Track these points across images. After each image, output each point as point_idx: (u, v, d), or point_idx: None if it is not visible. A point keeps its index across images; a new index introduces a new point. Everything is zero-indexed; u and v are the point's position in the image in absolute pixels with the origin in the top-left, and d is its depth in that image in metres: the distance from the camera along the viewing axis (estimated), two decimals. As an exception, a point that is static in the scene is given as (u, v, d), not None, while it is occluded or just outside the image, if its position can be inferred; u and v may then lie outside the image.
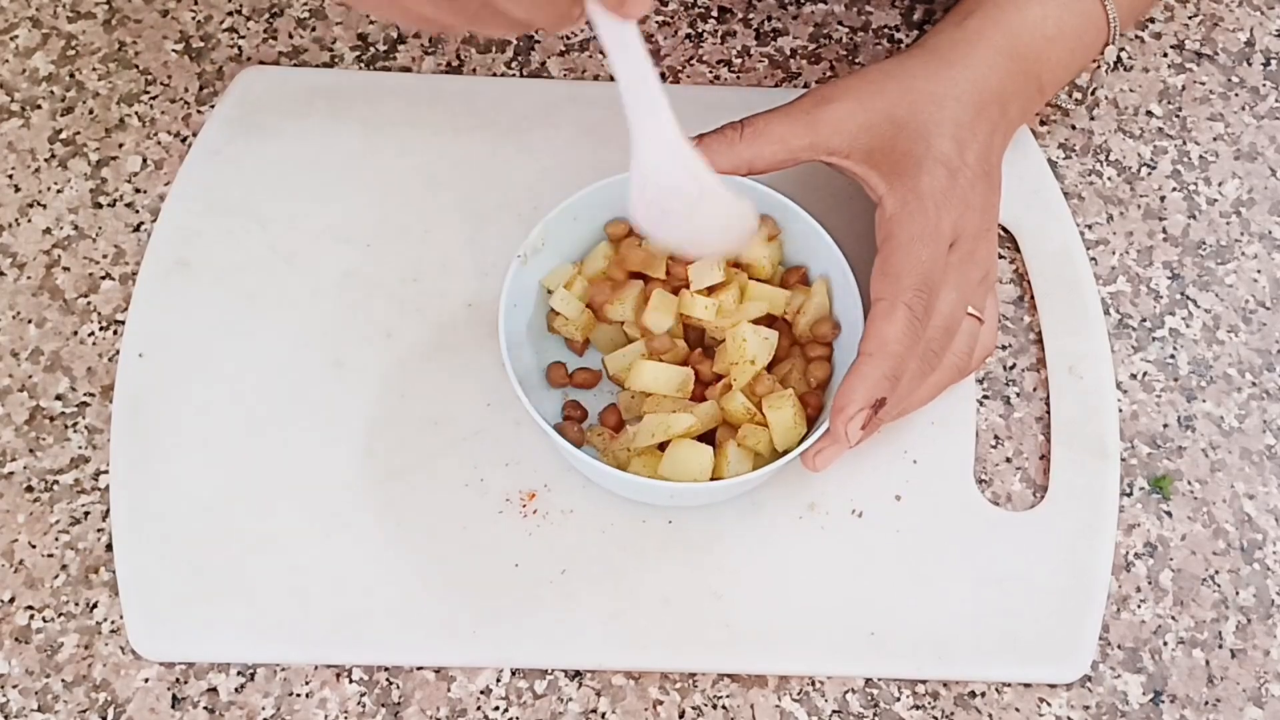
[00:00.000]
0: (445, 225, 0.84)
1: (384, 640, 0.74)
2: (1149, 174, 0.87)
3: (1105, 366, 0.81)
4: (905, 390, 0.70)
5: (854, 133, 0.73)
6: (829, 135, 0.73)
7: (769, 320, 0.77)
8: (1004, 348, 0.82)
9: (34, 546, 0.76)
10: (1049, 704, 0.74)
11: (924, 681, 0.74)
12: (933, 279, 0.69)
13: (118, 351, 0.80)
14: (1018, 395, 0.81)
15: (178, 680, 0.73)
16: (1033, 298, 0.82)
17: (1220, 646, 0.76)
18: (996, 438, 0.80)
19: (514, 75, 0.89)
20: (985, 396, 0.81)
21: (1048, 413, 0.80)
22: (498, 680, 0.74)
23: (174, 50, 0.90)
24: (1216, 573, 0.77)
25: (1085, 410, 0.79)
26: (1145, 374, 0.82)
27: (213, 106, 0.88)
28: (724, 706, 0.73)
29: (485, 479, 0.77)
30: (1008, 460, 0.79)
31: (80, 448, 0.79)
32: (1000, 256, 0.83)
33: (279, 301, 0.81)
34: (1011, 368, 0.81)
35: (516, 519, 0.76)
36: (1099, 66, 0.83)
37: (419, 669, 0.74)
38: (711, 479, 0.72)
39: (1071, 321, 0.82)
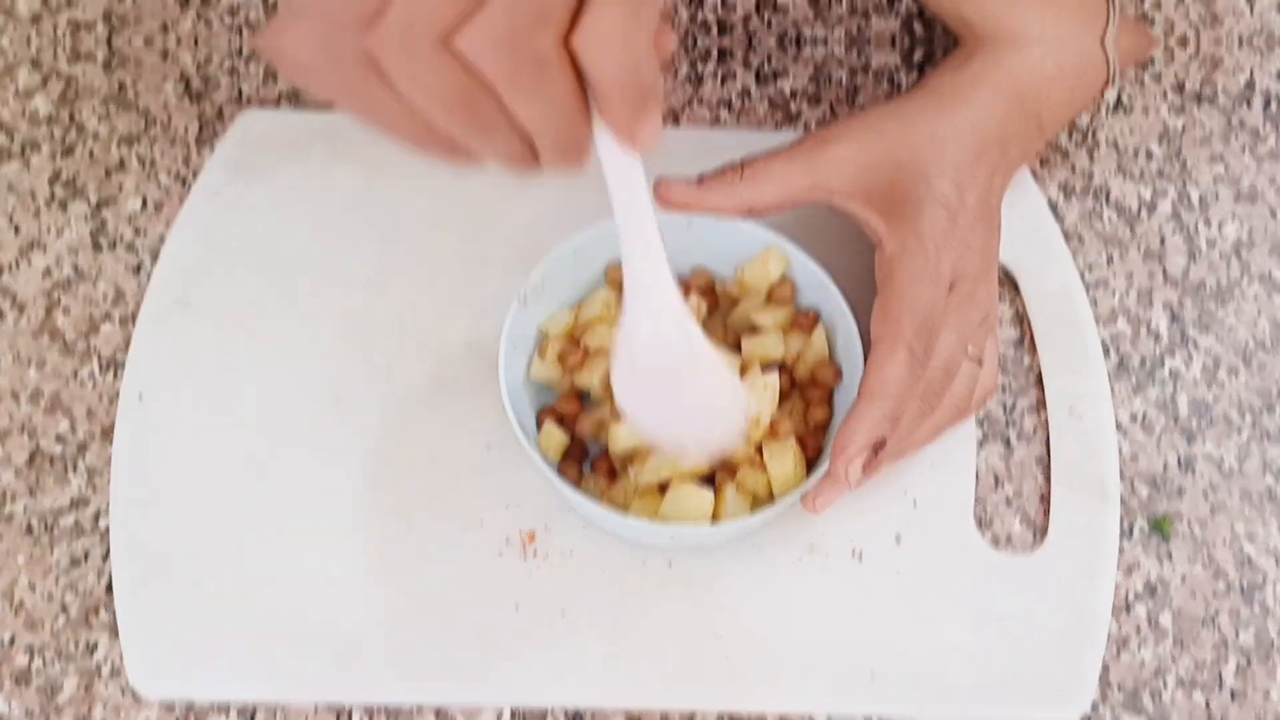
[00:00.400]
0: (445, 266, 0.84)
1: (384, 680, 0.73)
2: (1149, 215, 0.88)
3: (1105, 407, 0.80)
4: (905, 431, 0.70)
5: (854, 174, 0.73)
6: (829, 176, 0.73)
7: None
8: (1004, 389, 0.82)
9: (34, 588, 0.76)
10: (1050, 746, 0.74)
11: (925, 724, 0.74)
12: (933, 320, 0.69)
13: (118, 393, 0.80)
14: (1018, 436, 0.81)
15: (176, 722, 0.73)
16: (1033, 338, 0.82)
17: (1220, 688, 0.75)
18: (996, 479, 0.80)
19: (514, 116, 0.89)
20: (985, 437, 0.81)
21: (1048, 454, 0.80)
22: (497, 722, 0.74)
23: (174, 92, 0.91)
24: (1217, 614, 0.77)
25: (1085, 451, 0.79)
26: (1145, 415, 0.82)
27: (213, 148, 0.88)
28: (724, 749, 0.73)
29: (485, 520, 0.77)
30: (1008, 501, 0.79)
31: (80, 489, 0.79)
32: (1000, 297, 0.83)
33: (279, 342, 0.81)
34: (1011, 409, 0.81)
35: (516, 560, 0.76)
36: (1099, 108, 0.83)
37: (419, 709, 0.74)
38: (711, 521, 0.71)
39: (1071, 362, 0.82)
